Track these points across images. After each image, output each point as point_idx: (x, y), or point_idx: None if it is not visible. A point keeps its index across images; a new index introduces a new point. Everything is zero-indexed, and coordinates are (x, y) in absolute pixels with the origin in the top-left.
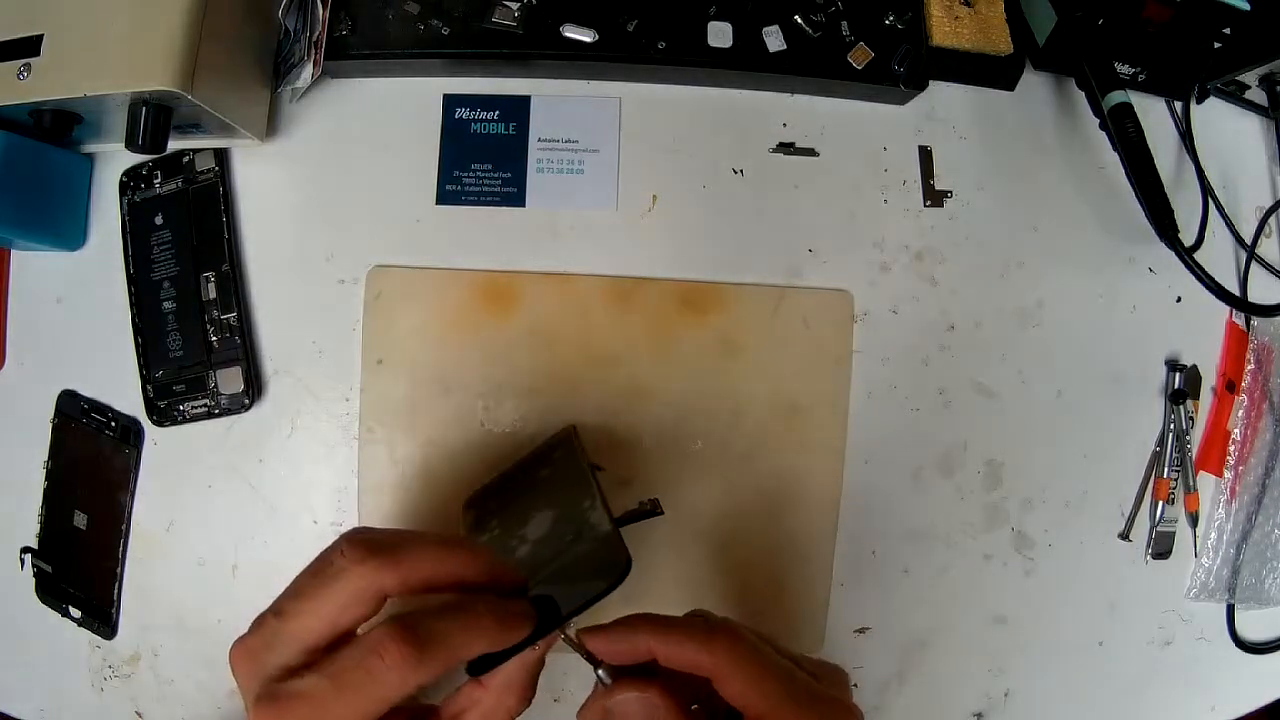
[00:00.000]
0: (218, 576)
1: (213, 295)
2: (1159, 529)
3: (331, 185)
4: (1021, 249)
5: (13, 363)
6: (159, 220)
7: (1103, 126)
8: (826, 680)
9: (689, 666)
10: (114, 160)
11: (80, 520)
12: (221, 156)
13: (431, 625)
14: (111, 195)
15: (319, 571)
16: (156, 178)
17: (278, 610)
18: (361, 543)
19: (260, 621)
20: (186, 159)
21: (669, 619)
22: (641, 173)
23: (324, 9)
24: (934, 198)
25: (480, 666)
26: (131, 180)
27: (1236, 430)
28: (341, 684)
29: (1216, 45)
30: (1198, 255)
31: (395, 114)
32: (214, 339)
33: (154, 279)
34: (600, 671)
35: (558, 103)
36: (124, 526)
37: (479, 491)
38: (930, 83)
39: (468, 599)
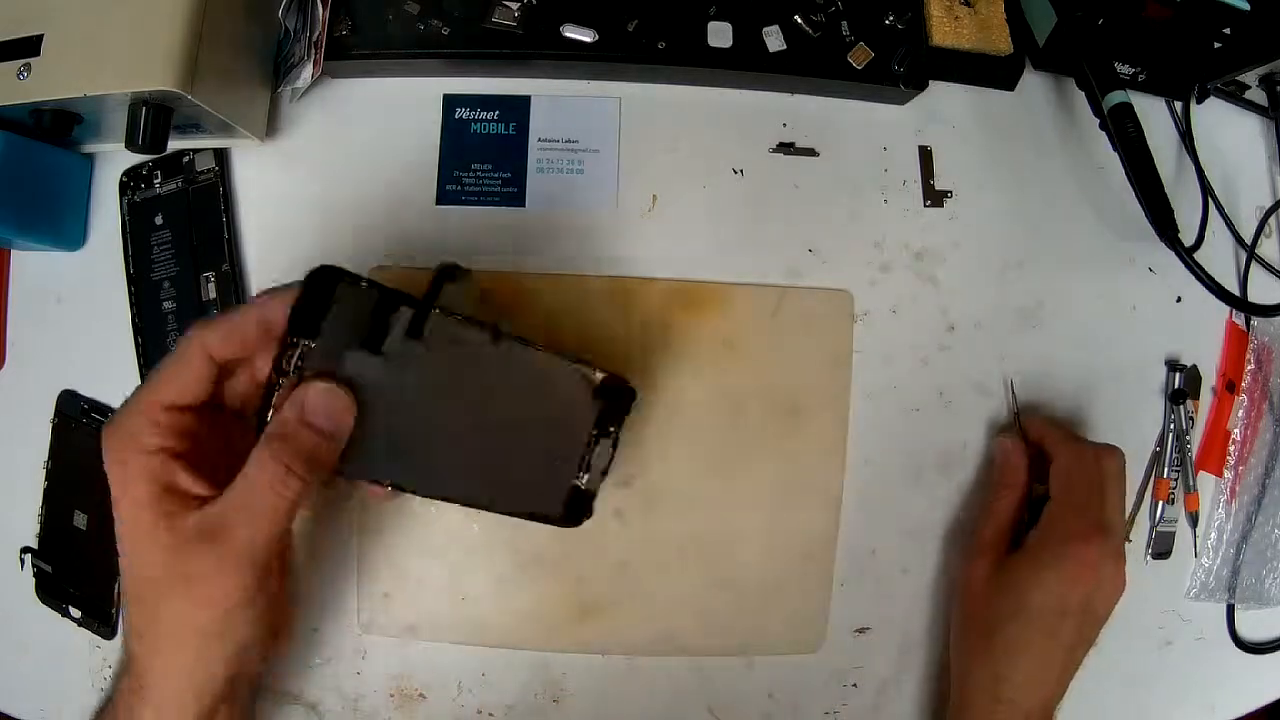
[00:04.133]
0: None
1: (213, 295)
2: (1159, 529)
3: (331, 185)
4: (1021, 249)
5: (13, 363)
6: (159, 220)
7: (1103, 126)
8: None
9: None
10: (114, 160)
11: (80, 520)
12: (221, 156)
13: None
14: (111, 195)
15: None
16: (156, 178)
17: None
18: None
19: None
20: (186, 159)
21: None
22: (641, 173)
23: (324, 9)
24: (934, 198)
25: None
26: (131, 180)
27: (1236, 430)
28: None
29: (1216, 45)
30: (1198, 255)
31: (395, 114)
32: None
33: (154, 279)
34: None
35: (558, 103)
36: None
37: None
38: (930, 83)
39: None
